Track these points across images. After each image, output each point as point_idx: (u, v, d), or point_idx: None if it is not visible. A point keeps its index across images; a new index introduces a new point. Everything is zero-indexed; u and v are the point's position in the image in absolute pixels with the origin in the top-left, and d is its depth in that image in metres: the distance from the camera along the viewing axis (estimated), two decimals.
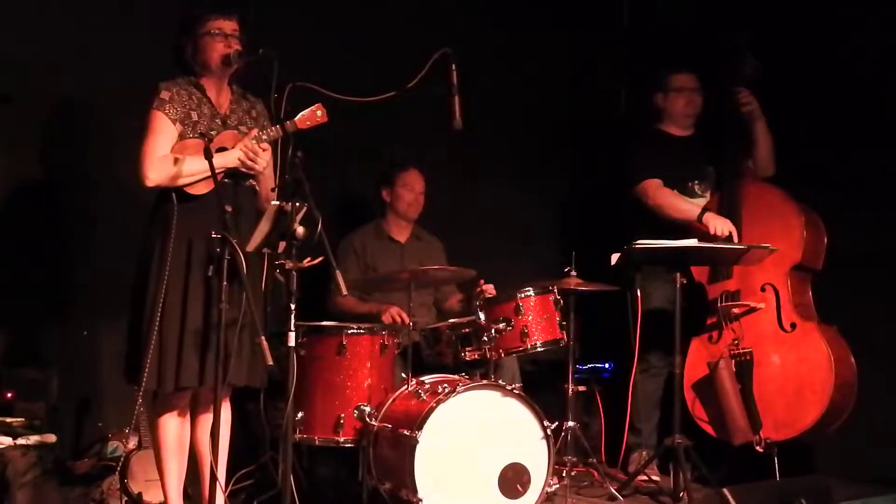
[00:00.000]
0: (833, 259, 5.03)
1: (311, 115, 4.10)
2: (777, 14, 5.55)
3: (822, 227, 5.02)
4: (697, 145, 5.43)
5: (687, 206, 5.16)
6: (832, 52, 5.37)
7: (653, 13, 6.29)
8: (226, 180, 4.12)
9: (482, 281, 4.89)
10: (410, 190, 5.38)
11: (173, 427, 4.15)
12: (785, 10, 5.53)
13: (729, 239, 4.98)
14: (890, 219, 5.10)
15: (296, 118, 4.07)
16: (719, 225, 5.00)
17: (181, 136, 4.10)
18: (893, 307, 5.04)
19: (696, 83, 5.43)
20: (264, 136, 4.09)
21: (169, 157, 4.03)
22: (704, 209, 5.09)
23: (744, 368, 4.94)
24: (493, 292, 4.92)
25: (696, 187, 5.37)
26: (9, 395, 4.66)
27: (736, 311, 5.02)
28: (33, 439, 4.31)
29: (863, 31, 5.29)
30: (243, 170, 4.11)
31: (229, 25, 4.17)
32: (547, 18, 6.28)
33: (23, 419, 4.45)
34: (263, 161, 4.10)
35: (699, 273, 5.10)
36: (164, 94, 4.09)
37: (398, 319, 4.86)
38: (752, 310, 5.00)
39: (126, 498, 4.48)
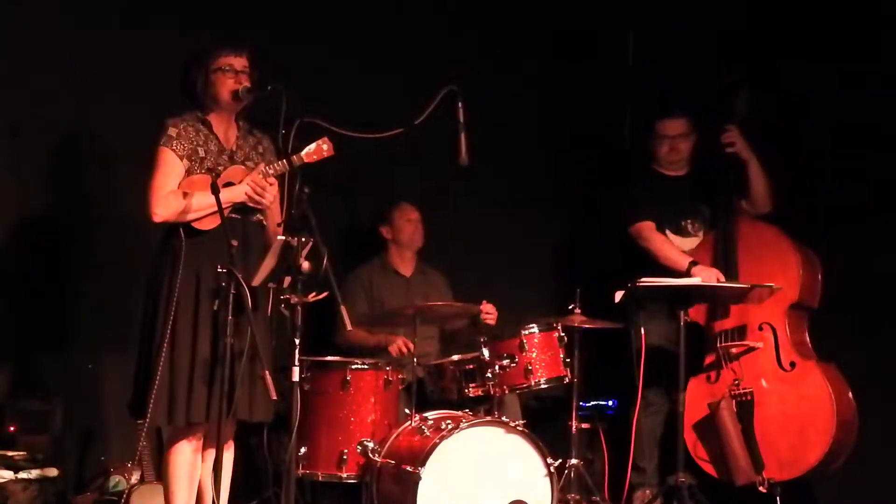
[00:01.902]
0: (828, 296, 5.03)
1: (317, 150, 4.11)
2: (776, 51, 5.57)
3: (818, 264, 5.02)
4: (691, 184, 5.42)
5: (676, 257, 5.13)
6: (831, 91, 5.38)
7: (657, 50, 6.28)
8: (233, 215, 4.11)
9: (484, 301, 4.87)
10: (409, 221, 5.39)
11: (185, 461, 4.11)
12: (784, 47, 5.56)
13: (731, 275, 4.98)
14: (884, 256, 5.09)
15: (302, 152, 4.07)
16: (708, 276, 4.97)
17: (188, 172, 4.10)
18: (889, 344, 5.02)
19: (684, 128, 5.41)
20: (271, 171, 4.10)
21: (177, 192, 4.03)
22: (692, 263, 5.06)
23: (745, 409, 4.91)
24: (494, 313, 4.91)
25: (690, 226, 5.35)
26: (11, 428, 4.64)
27: (734, 350, 5.00)
28: (35, 473, 4.31)
29: (863, 70, 5.31)
30: (251, 204, 4.10)
31: (239, 62, 4.18)
32: (552, 55, 6.30)
33: (25, 453, 4.44)
34: (270, 196, 4.10)
35: (695, 313, 5.05)
36: (172, 131, 4.09)
37: (404, 350, 4.84)
38: (751, 349, 4.98)
39: None
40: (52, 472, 4.37)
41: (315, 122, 4.11)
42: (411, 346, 4.84)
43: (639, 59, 6.45)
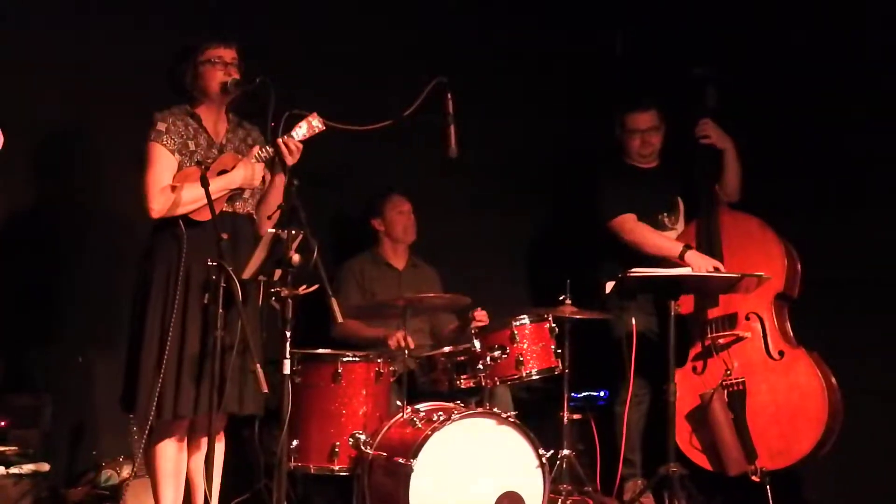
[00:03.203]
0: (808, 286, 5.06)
1: (307, 124, 4.12)
2: (750, 45, 5.60)
3: (797, 255, 5.04)
4: (663, 176, 5.41)
5: (667, 244, 5.14)
6: (800, 81, 5.42)
7: (645, 42, 6.26)
8: (225, 208, 4.12)
9: (479, 308, 4.85)
10: (401, 213, 5.38)
11: (170, 455, 4.14)
12: (758, 41, 5.59)
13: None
14: (857, 245, 5.11)
15: (294, 133, 4.08)
16: (703, 263, 4.97)
17: (180, 166, 4.11)
18: (866, 331, 5.03)
19: (654, 121, 5.39)
20: (264, 154, 4.12)
21: (171, 187, 4.05)
22: (686, 246, 5.06)
23: (736, 399, 4.92)
24: (486, 320, 4.90)
25: (666, 219, 5.34)
26: (1, 423, 4.63)
27: (722, 340, 5.00)
28: (26, 468, 4.31)
29: (830, 61, 5.33)
30: (247, 186, 4.15)
31: (229, 54, 4.19)
32: (542, 48, 6.29)
33: (16, 447, 4.43)
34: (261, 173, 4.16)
35: (682, 303, 5.01)
36: (160, 126, 4.10)
37: (403, 344, 4.82)
38: (739, 339, 4.98)
39: None
40: (44, 466, 4.38)
41: (304, 114, 4.13)
42: (411, 341, 4.84)
43: (627, 50, 6.41)
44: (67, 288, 5.00)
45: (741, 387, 4.93)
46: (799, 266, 5.02)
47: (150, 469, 4.19)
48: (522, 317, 4.70)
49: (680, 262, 5.00)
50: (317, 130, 4.14)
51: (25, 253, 4.91)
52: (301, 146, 4.12)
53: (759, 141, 5.34)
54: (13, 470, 4.24)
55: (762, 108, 5.46)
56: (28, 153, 4.80)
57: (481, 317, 4.95)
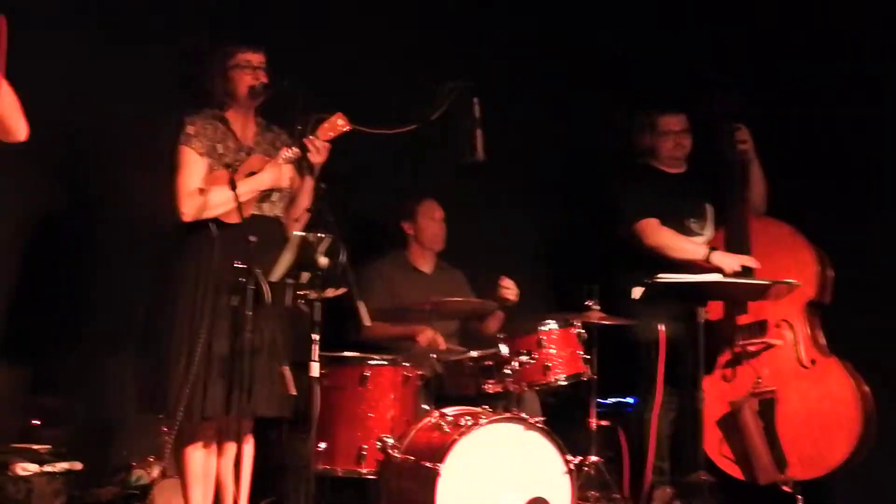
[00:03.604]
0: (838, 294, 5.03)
1: (331, 125, 4.13)
2: (773, 52, 5.58)
3: (829, 262, 5.00)
4: (691, 182, 5.36)
5: (691, 247, 5.10)
6: (830, 87, 5.38)
7: (659, 52, 6.22)
8: (254, 211, 4.13)
9: (503, 276, 4.84)
10: (432, 219, 5.36)
11: (200, 456, 4.16)
12: (774, 51, 5.59)
13: (749, 272, 4.91)
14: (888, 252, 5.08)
15: (316, 131, 4.11)
16: (730, 262, 4.95)
17: (209, 169, 4.15)
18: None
19: (685, 123, 5.37)
20: (290, 154, 4.14)
21: (201, 190, 4.08)
22: (712, 248, 5.03)
23: (767, 407, 4.88)
24: (514, 289, 4.93)
25: (693, 224, 5.27)
26: (35, 422, 4.65)
27: (752, 348, 4.96)
28: (60, 466, 4.30)
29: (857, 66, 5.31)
30: (275, 188, 4.17)
31: (257, 58, 4.25)
32: (568, 59, 6.28)
33: (49, 446, 4.42)
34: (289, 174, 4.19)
35: (711, 310, 4.98)
36: (190, 129, 4.15)
37: (435, 341, 4.81)
38: (769, 347, 4.95)
39: None
40: (76, 465, 4.36)
41: (329, 115, 4.14)
42: (440, 339, 4.86)
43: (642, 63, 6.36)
44: (97, 290, 5.01)
45: (772, 395, 4.89)
46: (830, 272, 4.97)
47: (179, 470, 4.23)
48: (550, 322, 4.69)
49: (707, 265, 4.95)
50: (342, 130, 4.16)
51: (51, 258, 4.92)
52: (328, 145, 4.14)
53: (787, 150, 5.33)
54: (46, 468, 4.24)
55: (788, 111, 5.43)
56: (48, 159, 4.78)
57: (508, 284, 4.93)
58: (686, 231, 5.23)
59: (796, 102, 5.44)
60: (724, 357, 5.04)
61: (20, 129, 3.29)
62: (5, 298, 4.63)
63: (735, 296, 4.96)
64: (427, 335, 4.87)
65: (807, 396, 4.85)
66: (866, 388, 4.81)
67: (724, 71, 5.19)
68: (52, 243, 4.93)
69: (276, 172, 4.15)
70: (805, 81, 5.45)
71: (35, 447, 4.37)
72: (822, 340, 4.95)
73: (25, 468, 4.16)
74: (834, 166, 5.27)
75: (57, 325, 4.90)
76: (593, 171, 6.15)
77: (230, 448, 4.17)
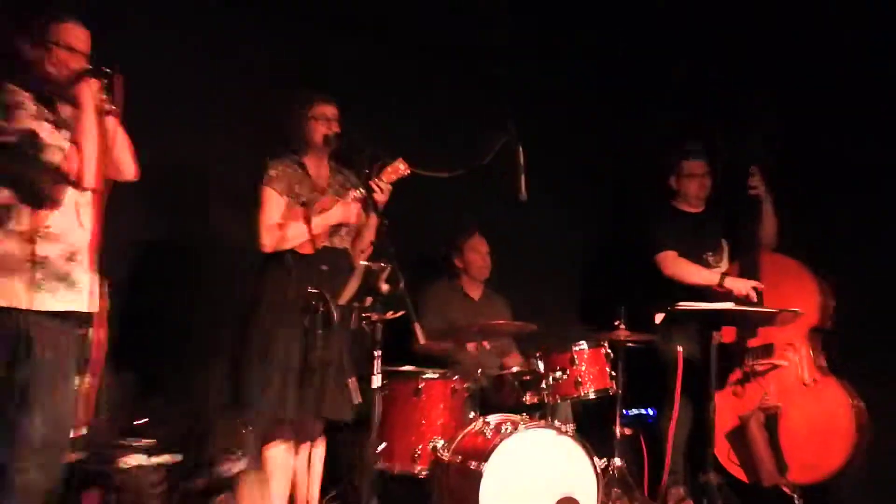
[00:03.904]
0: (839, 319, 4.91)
1: (393, 169, 4.10)
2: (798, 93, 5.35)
3: (831, 292, 4.89)
4: (709, 220, 5.27)
5: (706, 273, 5.03)
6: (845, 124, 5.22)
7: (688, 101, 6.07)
8: (325, 243, 4.13)
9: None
10: (478, 253, 5.30)
11: (279, 452, 4.16)
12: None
13: (760, 299, 4.82)
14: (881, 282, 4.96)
15: (381, 174, 4.08)
16: (741, 286, 4.86)
17: (287, 206, 4.14)
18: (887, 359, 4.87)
19: (706, 168, 5.27)
20: (358, 195, 4.12)
21: (279, 225, 4.07)
22: (724, 274, 4.96)
23: (772, 420, 4.77)
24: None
25: (710, 258, 5.19)
26: (143, 421, 4.67)
27: (760, 368, 4.86)
28: (162, 458, 4.30)
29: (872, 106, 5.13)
30: (344, 222, 4.17)
31: (331, 111, 4.24)
32: (602, 104, 6.15)
33: (154, 441, 4.43)
34: (356, 211, 4.17)
35: (724, 334, 4.88)
36: (272, 172, 4.16)
37: (480, 348, 4.76)
38: (775, 367, 4.83)
39: None
40: (176, 458, 4.35)
41: (392, 160, 4.10)
42: (486, 343, 4.80)
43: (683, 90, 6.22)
44: (194, 307, 4.99)
45: (777, 410, 4.77)
46: (831, 302, 4.87)
47: (261, 464, 4.20)
48: (581, 343, 4.64)
49: (720, 289, 4.88)
50: (403, 173, 4.12)
51: (159, 278, 4.94)
52: (390, 187, 4.11)
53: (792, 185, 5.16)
54: (152, 460, 4.24)
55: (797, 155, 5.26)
56: (160, 194, 4.80)
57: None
58: (704, 264, 5.17)
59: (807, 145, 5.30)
60: (735, 375, 4.95)
61: (131, 170, 3.39)
62: (117, 316, 4.62)
63: (746, 321, 4.86)
64: (475, 343, 4.84)
65: (807, 411, 4.73)
66: (860, 404, 4.70)
67: (745, 119, 5.08)
68: (156, 268, 4.95)
69: (346, 210, 4.15)
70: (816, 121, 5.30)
71: (142, 442, 4.37)
72: (823, 362, 4.85)
73: (132, 460, 4.16)
74: (843, 204, 5.16)
75: (161, 339, 4.89)
76: (624, 210, 6.07)
77: (305, 447, 4.19)
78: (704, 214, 5.30)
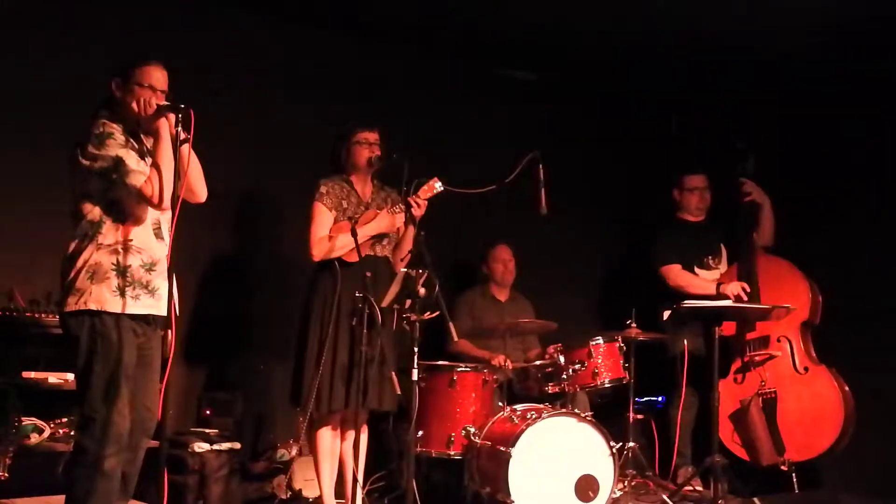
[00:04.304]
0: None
1: (429, 187, 4.15)
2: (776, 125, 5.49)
3: (818, 290, 4.89)
4: (710, 228, 5.30)
5: (704, 284, 5.05)
6: (832, 149, 5.28)
7: (696, 123, 6.15)
8: (369, 252, 4.15)
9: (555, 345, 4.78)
10: (500, 261, 5.30)
11: (327, 440, 4.19)
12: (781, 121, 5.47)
13: (753, 298, 4.85)
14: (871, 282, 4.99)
15: (419, 192, 4.13)
16: (734, 288, 4.89)
17: (335, 220, 4.17)
18: (880, 350, 4.89)
19: (706, 182, 5.31)
20: (398, 210, 4.19)
21: (328, 237, 4.11)
22: (718, 283, 5.00)
23: (769, 405, 4.79)
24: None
25: (711, 261, 5.23)
26: (207, 412, 4.75)
27: (758, 358, 4.87)
28: (224, 445, 4.33)
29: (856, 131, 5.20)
30: (385, 231, 4.21)
31: (372, 136, 4.28)
32: (610, 130, 6.22)
33: (216, 430, 4.49)
34: (400, 220, 4.20)
35: (726, 328, 4.90)
36: (322, 189, 4.19)
37: (503, 365, 4.80)
38: (771, 357, 4.85)
39: (290, 493, 4.53)
40: (236, 445, 4.39)
41: (428, 179, 4.16)
42: (510, 363, 4.81)
43: (680, 129, 6.29)
44: (253, 311, 5.08)
45: (773, 395, 4.80)
46: (820, 299, 4.88)
47: (312, 450, 4.27)
48: (598, 338, 4.64)
49: (717, 295, 4.92)
50: (438, 191, 4.17)
51: (223, 285, 5.01)
52: (426, 203, 4.15)
53: (788, 198, 5.19)
54: (215, 447, 4.28)
55: (791, 171, 5.32)
56: (225, 212, 4.91)
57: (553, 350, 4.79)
58: (705, 266, 5.21)
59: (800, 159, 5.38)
60: (736, 364, 4.95)
61: (203, 193, 3.41)
62: (188, 317, 4.71)
63: (744, 317, 4.88)
64: (499, 360, 4.83)
65: (801, 396, 4.74)
66: (847, 390, 4.70)
67: (749, 140, 5.15)
68: (223, 276, 5.03)
69: (391, 219, 4.19)
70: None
71: (207, 431, 4.45)
72: (813, 352, 4.84)
73: (200, 446, 4.24)
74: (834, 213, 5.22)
75: (225, 338, 4.99)
76: (635, 223, 6.10)
77: (350, 434, 4.19)
78: (705, 223, 5.32)
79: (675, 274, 5.12)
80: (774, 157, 5.26)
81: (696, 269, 5.19)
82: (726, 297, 4.85)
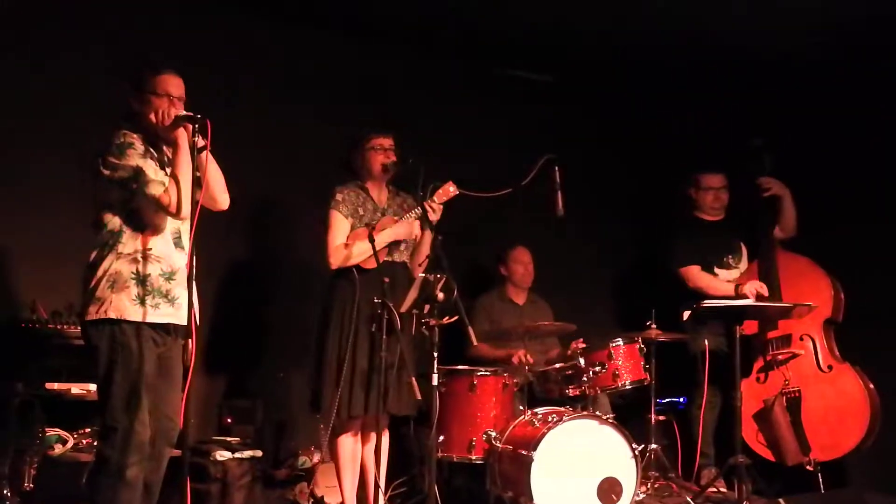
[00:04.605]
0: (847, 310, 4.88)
1: (444, 190, 4.16)
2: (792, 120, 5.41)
3: (840, 286, 4.86)
4: (728, 227, 5.27)
5: (723, 286, 5.02)
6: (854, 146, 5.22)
7: (705, 122, 6.12)
8: (386, 258, 4.15)
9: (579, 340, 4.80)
10: (520, 263, 5.31)
11: (348, 446, 4.19)
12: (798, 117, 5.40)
13: (775, 296, 4.82)
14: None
15: (434, 196, 4.13)
16: (751, 287, 4.86)
17: (352, 227, 4.18)
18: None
19: (723, 181, 5.27)
20: (413, 215, 4.20)
21: (345, 245, 4.12)
22: (737, 284, 4.96)
23: (793, 404, 4.77)
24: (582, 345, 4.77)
25: (731, 260, 5.20)
26: (228, 420, 4.78)
27: (781, 357, 4.85)
28: (246, 453, 4.32)
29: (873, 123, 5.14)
30: (402, 239, 4.20)
31: (387, 142, 4.28)
32: (622, 132, 6.21)
33: (238, 438, 4.50)
34: (418, 230, 4.20)
35: (748, 327, 4.91)
36: (338, 196, 4.20)
37: (524, 360, 4.79)
38: (794, 356, 4.82)
39: (312, 500, 4.53)
40: (258, 452, 4.39)
41: (443, 183, 4.17)
42: (531, 359, 4.80)
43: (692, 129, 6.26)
44: (272, 319, 5.11)
45: (797, 394, 4.78)
46: (843, 296, 4.84)
47: (333, 456, 4.27)
48: (618, 339, 4.64)
49: (736, 296, 4.90)
50: (452, 195, 4.17)
51: (242, 294, 5.04)
52: (441, 207, 4.16)
53: (808, 194, 5.16)
54: (236, 455, 4.28)
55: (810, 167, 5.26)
56: (241, 220, 4.90)
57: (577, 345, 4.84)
58: (725, 266, 5.18)
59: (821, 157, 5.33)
60: (759, 364, 4.93)
61: (225, 201, 3.41)
62: (208, 326, 4.71)
63: (764, 315, 4.85)
64: (519, 356, 4.83)
65: (825, 395, 4.71)
66: (873, 388, 4.66)
67: (758, 136, 5.12)
68: (243, 284, 5.07)
69: (407, 228, 4.19)
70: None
71: (228, 439, 4.46)
72: (837, 350, 4.81)
73: (222, 454, 4.24)
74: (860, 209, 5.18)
75: (245, 346, 5.02)
76: (647, 221, 6.08)
77: (372, 439, 4.18)
78: (723, 221, 5.29)
79: (695, 275, 5.10)
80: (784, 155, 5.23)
81: (716, 269, 5.16)
82: (746, 298, 4.82)
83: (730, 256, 5.20)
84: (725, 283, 5.06)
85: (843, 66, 5.16)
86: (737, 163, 5.20)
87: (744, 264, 5.21)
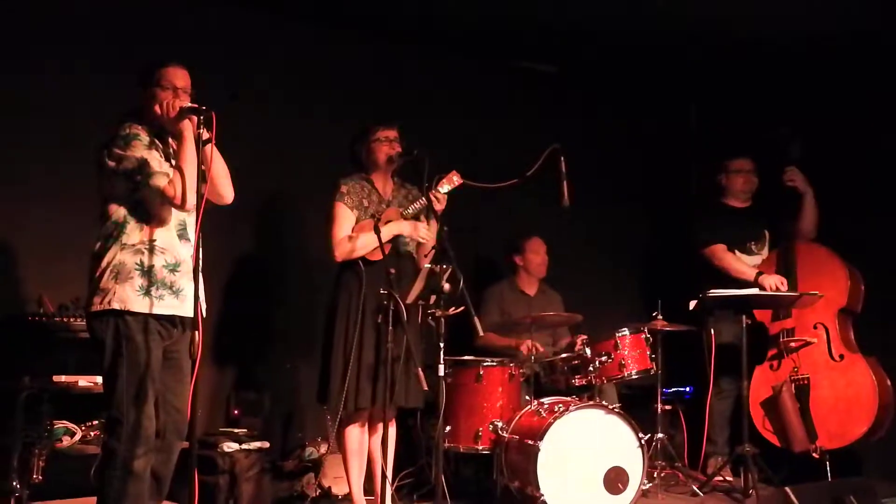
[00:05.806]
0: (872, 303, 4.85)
1: (448, 180, 4.15)
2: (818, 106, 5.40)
3: (861, 278, 4.84)
4: (754, 214, 5.27)
5: (745, 270, 5.02)
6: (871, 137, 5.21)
7: (716, 112, 6.10)
8: (392, 250, 4.15)
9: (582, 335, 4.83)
10: (537, 253, 5.29)
11: (356, 437, 4.19)
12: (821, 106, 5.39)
13: (791, 286, 4.84)
14: None
15: (439, 186, 4.12)
16: (772, 282, 4.87)
17: (357, 220, 4.18)
18: None
19: (752, 165, 5.27)
20: (418, 206, 4.17)
21: (350, 237, 4.11)
22: (759, 273, 4.95)
23: (802, 391, 4.78)
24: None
25: (754, 246, 5.21)
26: (236, 412, 4.80)
27: (793, 344, 4.86)
28: (254, 445, 4.35)
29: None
30: (409, 237, 4.19)
31: (392, 133, 4.26)
32: (636, 123, 6.19)
33: (246, 430, 4.51)
34: (424, 231, 4.18)
35: (761, 315, 4.96)
36: (343, 188, 4.19)
37: (532, 349, 4.79)
38: (807, 344, 4.83)
39: (320, 490, 4.55)
40: (265, 444, 4.41)
41: (447, 174, 4.15)
42: (538, 346, 4.80)
43: (700, 124, 6.25)
44: (279, 311, 5.11)
45: (806, 381, 4.79)
46: (862, 287, 4.85)
47: (340, 447, 4.27)
48: (624, 329, 4.64)
49: (754, 283, 4.90)
50: (457, 185, 4.16)
51: (249, 287, 5.04)
52: (446, 197, 4.15)
53: (834, 183, 5.15)
54: (244, 446, 4.30)
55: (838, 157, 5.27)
56: (247, 213, 4.90)
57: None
58: (747, 251, 5.19)
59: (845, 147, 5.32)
60: (772, 351, 4.94)
61: (229, 195, 3.41)
62: (215, 318, 4.74)
63: (772, 305, 4.87)
64: (527, 345, 4.83)
65: (835, 384, 4.73)
66: (884, 379, 4.67)
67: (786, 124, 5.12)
68: (251, 276, 5.06)
69: (411, 228, 4.18)
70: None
71: (236, 430, 4.48)
72: (852, 340, 4.82)
73: (230, 446, 4.27)
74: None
75: (252, 338, 5.02)
76: (660, 210, 6.06)
77: (378, 430, 4.14)
78: (749, 208, 5.29)
79: (721, 254, 5.09)
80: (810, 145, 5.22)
81: (738, 254, 5.15)
82: (762, 287, 4.82)
83: (753, 243, 5.20)
84: (749, 267, 5.05)
85: (870, 55, 5.14)
86: (763, 150, 5.19)
87: (766, 251, 5.22)
